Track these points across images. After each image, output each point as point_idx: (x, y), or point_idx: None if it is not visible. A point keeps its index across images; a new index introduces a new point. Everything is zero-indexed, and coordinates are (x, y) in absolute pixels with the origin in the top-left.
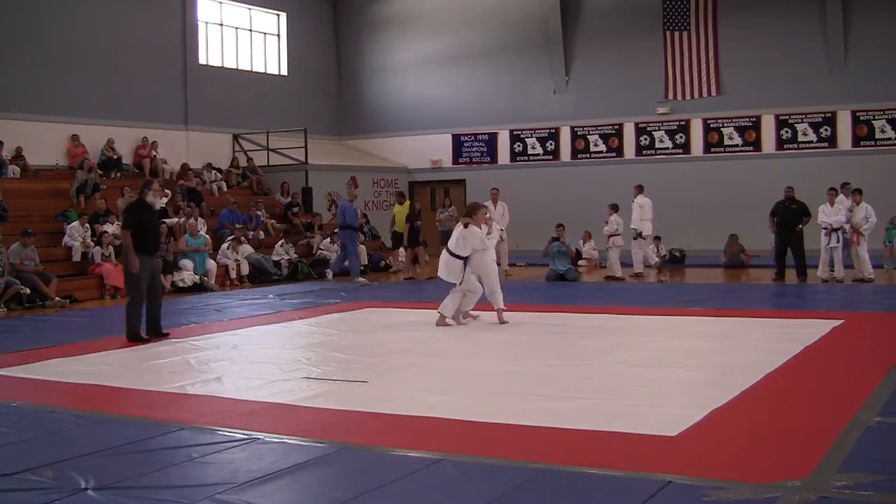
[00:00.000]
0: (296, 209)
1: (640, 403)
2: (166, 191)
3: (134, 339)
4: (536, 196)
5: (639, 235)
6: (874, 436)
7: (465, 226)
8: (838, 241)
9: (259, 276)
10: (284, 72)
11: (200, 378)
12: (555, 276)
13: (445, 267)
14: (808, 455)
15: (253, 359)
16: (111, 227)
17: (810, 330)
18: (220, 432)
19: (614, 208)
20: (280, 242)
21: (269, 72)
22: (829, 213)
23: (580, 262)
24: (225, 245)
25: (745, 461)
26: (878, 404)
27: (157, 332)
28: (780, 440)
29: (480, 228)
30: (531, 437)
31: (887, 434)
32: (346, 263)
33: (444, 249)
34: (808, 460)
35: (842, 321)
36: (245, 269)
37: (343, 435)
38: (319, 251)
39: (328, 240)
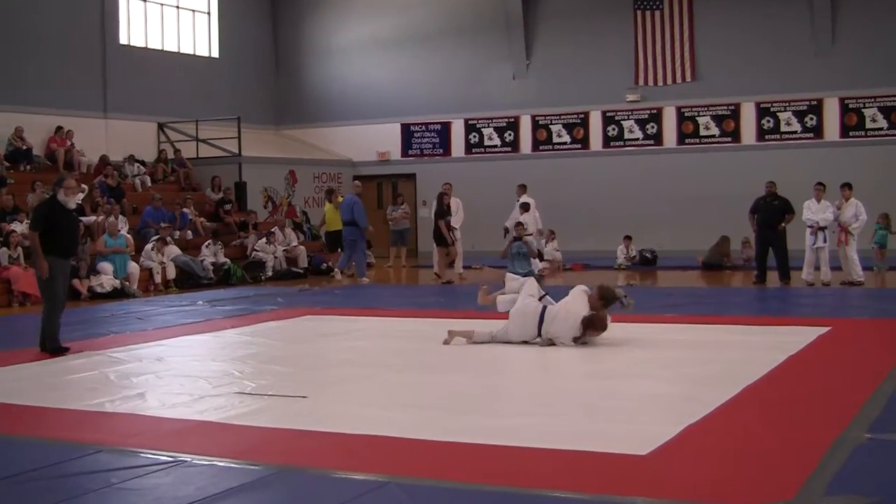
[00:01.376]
0: (228, 206)
1: (607, 419)
2: (83, 186)
3: (55, 350)
4: (494, 192)
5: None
6: (865, 454)
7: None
8: (825, 241)
9: (187, 281)
10: (216, 54)
11: (121, 394)
12: None
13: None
14: (792, 475)
15: (180, 372)
16: (19, 227)
17: (794, 338)
18: (142, 454)
19: (524, 208)
20: (207, 243)
21: (198, 54)
22: (814, 210)
23: (542, 264)
24: (149, 246)
25: (723, 482)
26: (868, 420)
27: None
28: (761, 459)
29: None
30: (487, 457)
31: (879, 452)
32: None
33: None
34: (792, 481)
35: (829, 328)
36: (171, 273)
37: (280, 456)
38: (255, 252)
39: (264, 240)
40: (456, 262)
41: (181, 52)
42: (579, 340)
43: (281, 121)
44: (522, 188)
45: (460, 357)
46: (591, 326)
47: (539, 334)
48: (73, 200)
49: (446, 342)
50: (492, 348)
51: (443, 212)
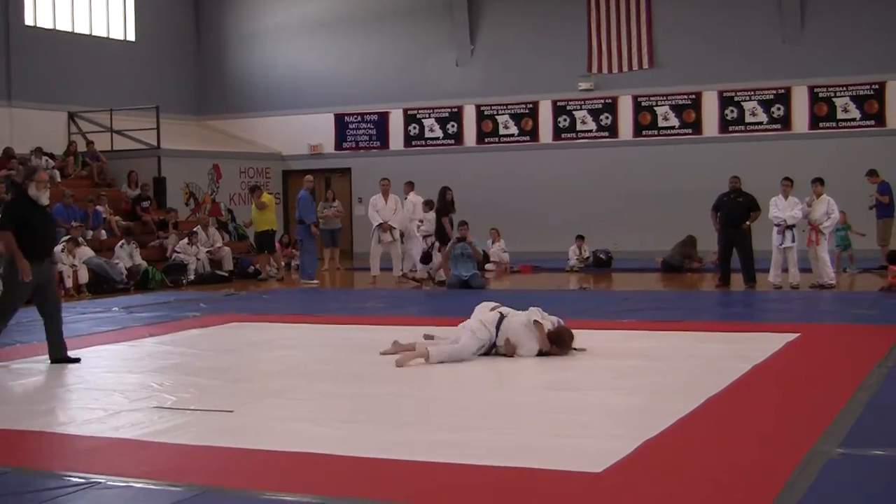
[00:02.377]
0: (146, 204)
1: (558, 434)
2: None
3: None
4: (436, 188)
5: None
6: (837, 470)
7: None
8: (793, 241)
9: (101, 285)
10: (131, 37)
11: (28, 409)
12: (458, 284)
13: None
14: (758, 494)
15: (93, 385)
16: None
17: (760, 345)
18: (52, 476)
19: (429, 205)
20: (121, 243)
21: (112, 36)
22: (782, 208)
23: (488, 267)
24: (59, 248)
25: (683, 501)
26: (840, 433)
27: (61, 357)
28: (724, 476)
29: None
30: (429, 475)
31: (852, 468)
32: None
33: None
34: (759, 501)
35: (797, 335)
36: (84, 277)
37: (203, 476)
38: (175, 254)
39: (186, 240)
40: (395, 263)
41: (94, 34)
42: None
43: (204, 111)
44: (410, 185)
45: (397, 369)
46: (559, 343)
47: (496, 338)
48: (45, 196)
49: (399, 365)
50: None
51: (446, 208)
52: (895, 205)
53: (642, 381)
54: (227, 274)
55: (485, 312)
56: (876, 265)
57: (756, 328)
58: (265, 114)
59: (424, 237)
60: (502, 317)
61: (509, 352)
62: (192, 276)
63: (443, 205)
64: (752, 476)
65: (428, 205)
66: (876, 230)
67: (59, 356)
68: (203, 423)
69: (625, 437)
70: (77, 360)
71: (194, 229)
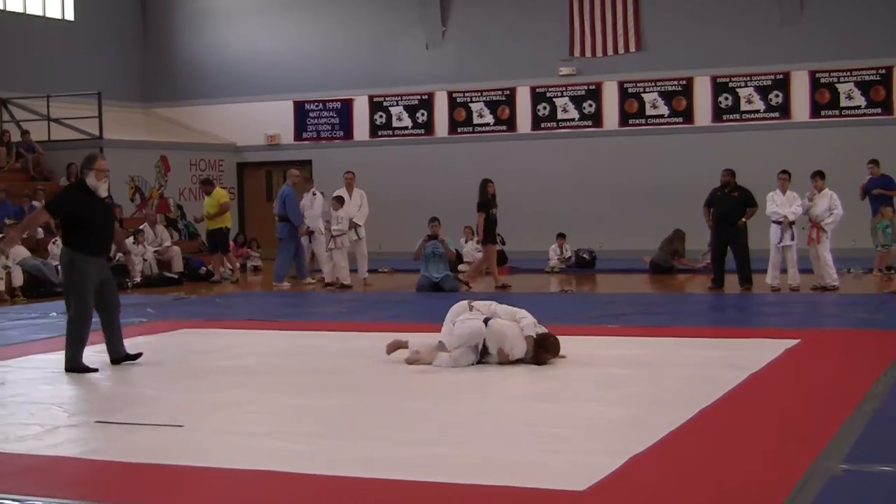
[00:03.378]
0: None
1: (539, 449)
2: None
3: (76, 370)
4: (404, 182)
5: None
6: (840, 488)
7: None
8: (792, 239)
9: (38, 288)
10: (70, 16)
11: None
12: (428, 286)
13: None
14: None
15: (29, 398)
16: None
17: (757, 353)
18: None
19: (339, 202)
20: (55, 240)
21: (49, 15)
22: (780, 203)
23: (461, 267)
24: None
25: None
26: (844, 447)
27: (120, 356)
28: (717, 495)
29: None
30: (401, 494)
31: (857, 485)
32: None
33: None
34: None
35: (797, 341)
36: (19, 279)
37: (150, 497)
38: (119, 255)
39: (131, 239)
40: (360, 264)
41: (28, 13)
42: (528, 357)
43: (150, 97)
44: (350, 176)
45: (365, 376)
46: (545, 349)
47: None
48: (104, 187)
49: (411, 361)
50: (404, 365)
51: (487, 203)
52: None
53: (629, 392)
54: (176, 276)
55: (465, 321)
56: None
57: (752, 334)
58: (218, 101)
59: (335, 237)
60: (485, 322)
61: (503, 360)
62: (137, 279)
63: (483, 199)
64: (747, 495)
65: (339, 201)
66: (872, 226)
67: (119, 356)
68: (150, 438)
69: (610, 452)
70: (138, 356)
71: (140, 227)
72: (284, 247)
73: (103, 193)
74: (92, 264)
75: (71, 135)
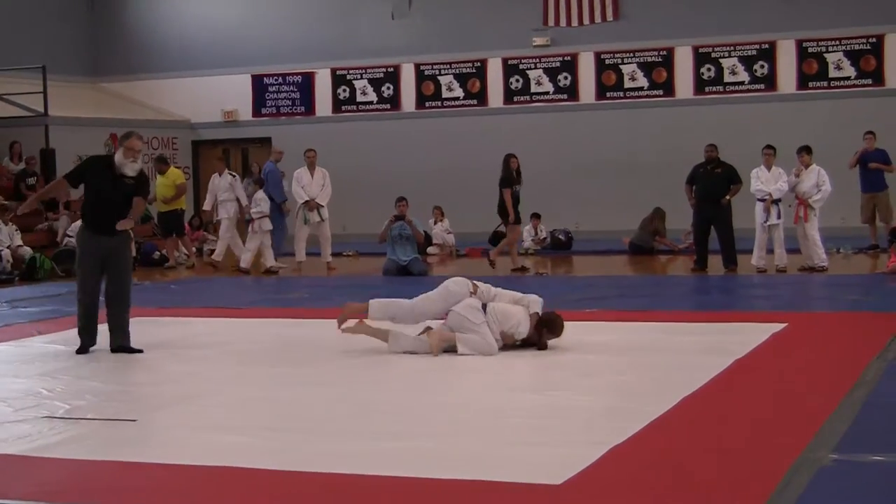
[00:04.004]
0: (32, 180)
1: (512, 441)
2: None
3: (79, 349)
4: (369, 160)
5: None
6: (829, 479)
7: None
8: (779, 217)
9: None
10: None
11: None
12: (395, 270)
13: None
14: None
15: None
16: None
17: (742, 337)
18: None
19: (259, 183)
20: None
21: None
22: (765, 180)
23: (430, 250)
24: None
25: None
26: (833, 437)
27: (123, 345)
28: (702, 487)
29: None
30: (367, 491)
31: (848, 476)
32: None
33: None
34: None
35: (784, 325)
36: None
37: (102, 495)
38: (67, 239)
39: (80, 222)
40: (323, 247)
41: None
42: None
43: (99, 71)
44: (221, 161)
45: (330, 366)
46: (549, 328)
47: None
48: (132, 167)
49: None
50: (373, 353)
51: (510, 178)
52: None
53: (608, 380)
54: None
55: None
56: (866, 244)
57: (737, 318)
58: (171, 75)
59: (254, 220)
60: (483, 308)
61: (508, 341)
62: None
63: (506, 174)
64: (732, 487)
65: (258, 182)
66: (862, 204)
67: (118, 345)
68: (101, 434)
69: (588, 443)
70: (139, 351)
71: None
72: (274, 227)
73: (129, 173)
74: (96, 242)
75: (13, 111)
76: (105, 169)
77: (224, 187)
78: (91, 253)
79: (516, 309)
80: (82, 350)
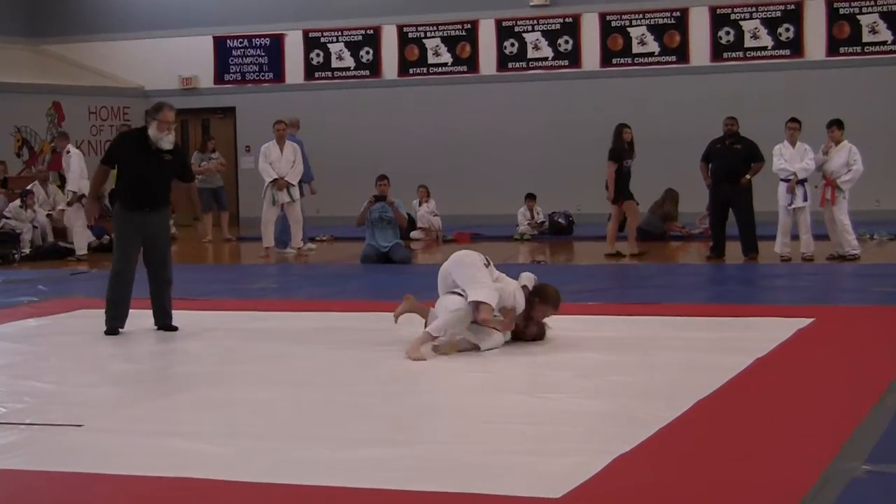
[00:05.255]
0: None
1: (506, 450)
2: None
3: (109, 330)
4: (346, 133)
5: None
6: (862, 492)
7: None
8: (805, 199)
9: None
10: None
11: None
12: (375, 257)
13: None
14: None
15: None
16: None
17: (763, 334)
18: None
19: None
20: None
21: None
22: (789, 157)
23: (413, 234)
24: None
25: None
26: (865, 446)
27: (166, 323)
28: (717, 502)
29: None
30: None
31: (881, 489)
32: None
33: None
34: None
35: (811, 320)
36: None
37: None
38: (4, 220)
39: (18, 202)
40: (294, 231)
41: None
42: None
43: (40, 31)
44: (64, 137)
45: (301, 364)
46: (542, 298)
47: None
48: (167, 140)
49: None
50: (350, 349)
51: (620, 152)
52: None
53: (612, 381)
54: (73, 246)
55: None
56: None
57: (758, 312)
58: (122, 36)
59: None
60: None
61: (508, 317)
62: (27, 250)
63: (618, 146)
64: (754, 500)
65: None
66: None
67: (162, 323)
68: (42, 440)
69: (590, 452)
70: (175, 329)
71: (29, 187)
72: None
73: (166, 146)
74: (133, 220)
75: None
76: (139, 144)
77: (289, 160)
78: (132, 231)
79: (511, 284)
80: (112, 332)
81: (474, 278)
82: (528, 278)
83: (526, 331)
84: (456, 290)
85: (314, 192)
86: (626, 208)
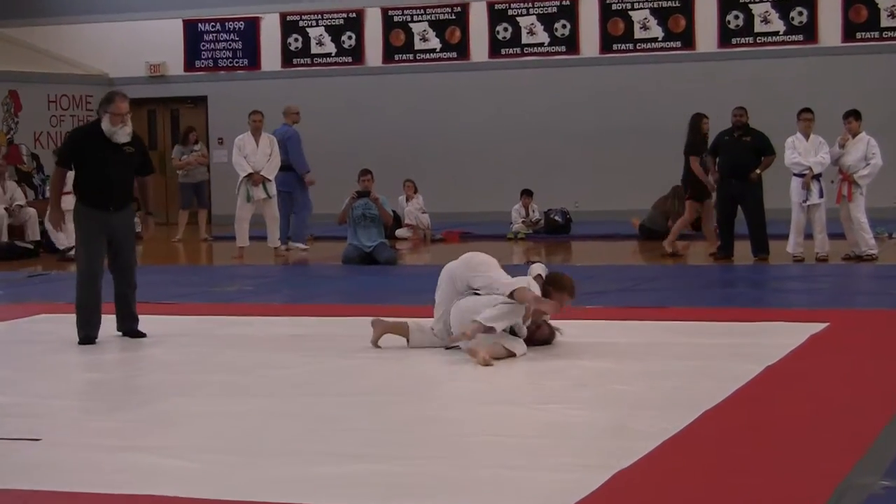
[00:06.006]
0: None
1: (500, 464)
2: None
3: (83, 340)
4: (326, 124)
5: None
6: None
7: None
8: (820, 196)
9: None
10: None
11: None
12: (358, 257)
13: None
14: None
15: None
16: None
17: (774, 340)
18: None
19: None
20: None
21: None
22: (803, 150)
23: (399, 233)
24: None
25: None
26: (883, 460)
27: (132, 328)
28: None
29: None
30: None
31: None
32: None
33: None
34: None
35: (825, 325)
36: None
37: None
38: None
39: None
40: (270, 229)
41: None
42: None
43: None
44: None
45: (276, 373)
46: (556, 286)
47: None
48: (123, 132)
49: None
50: (332, 358)
51: (697, 144)
52: None
53: (613, 390)
54: (31, 245)
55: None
56: None
57: (769, 316)
58: (85, 19)
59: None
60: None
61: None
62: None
63: (694, 139)
64: None
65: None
66: None
67: (127, 328)
68: None
69: (590, 466)
70: (143, 335)
71: None
72: (297, 202)
73: (122, 139)
74: (95, 219)
75: None
76: (95, 139)
77: (265, 153)
78: (96, 231)
79: (524, 277)
80: (87, 341)
81: (501, 277)
82: (540, 268)
83: (537, 332)
84: (473, 292)
85: (312, 182)
86: (705, 207)
